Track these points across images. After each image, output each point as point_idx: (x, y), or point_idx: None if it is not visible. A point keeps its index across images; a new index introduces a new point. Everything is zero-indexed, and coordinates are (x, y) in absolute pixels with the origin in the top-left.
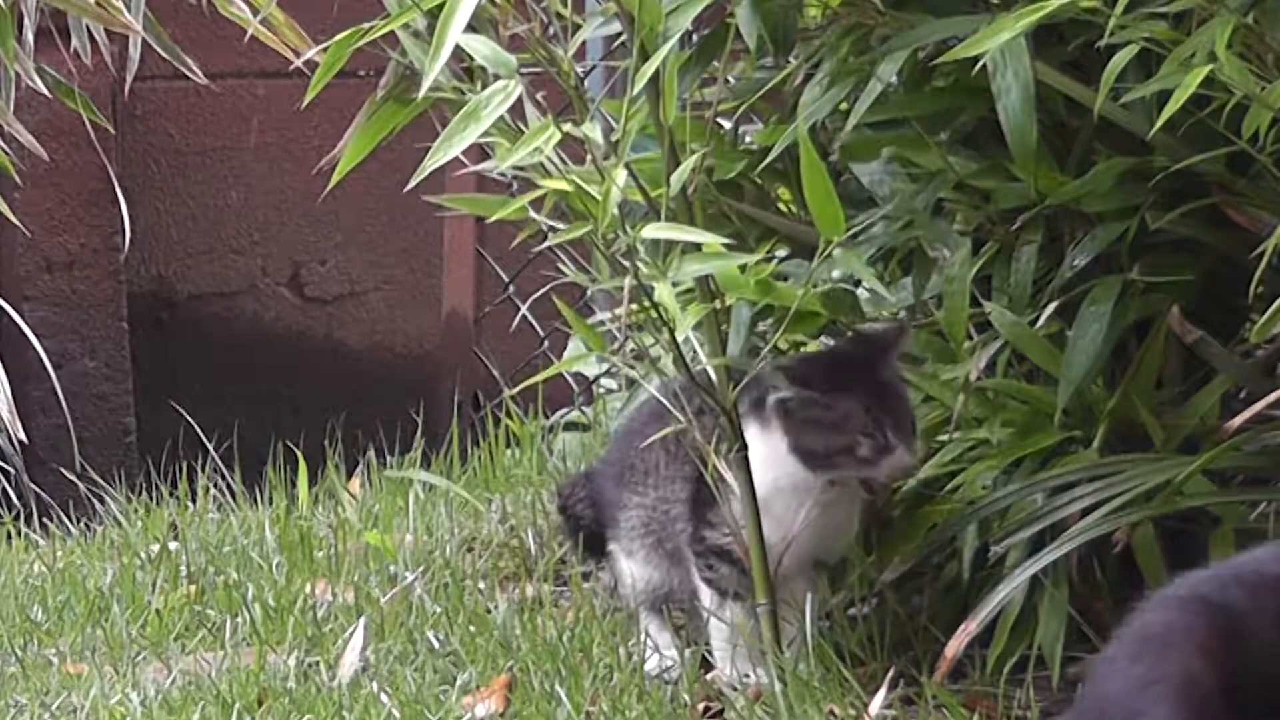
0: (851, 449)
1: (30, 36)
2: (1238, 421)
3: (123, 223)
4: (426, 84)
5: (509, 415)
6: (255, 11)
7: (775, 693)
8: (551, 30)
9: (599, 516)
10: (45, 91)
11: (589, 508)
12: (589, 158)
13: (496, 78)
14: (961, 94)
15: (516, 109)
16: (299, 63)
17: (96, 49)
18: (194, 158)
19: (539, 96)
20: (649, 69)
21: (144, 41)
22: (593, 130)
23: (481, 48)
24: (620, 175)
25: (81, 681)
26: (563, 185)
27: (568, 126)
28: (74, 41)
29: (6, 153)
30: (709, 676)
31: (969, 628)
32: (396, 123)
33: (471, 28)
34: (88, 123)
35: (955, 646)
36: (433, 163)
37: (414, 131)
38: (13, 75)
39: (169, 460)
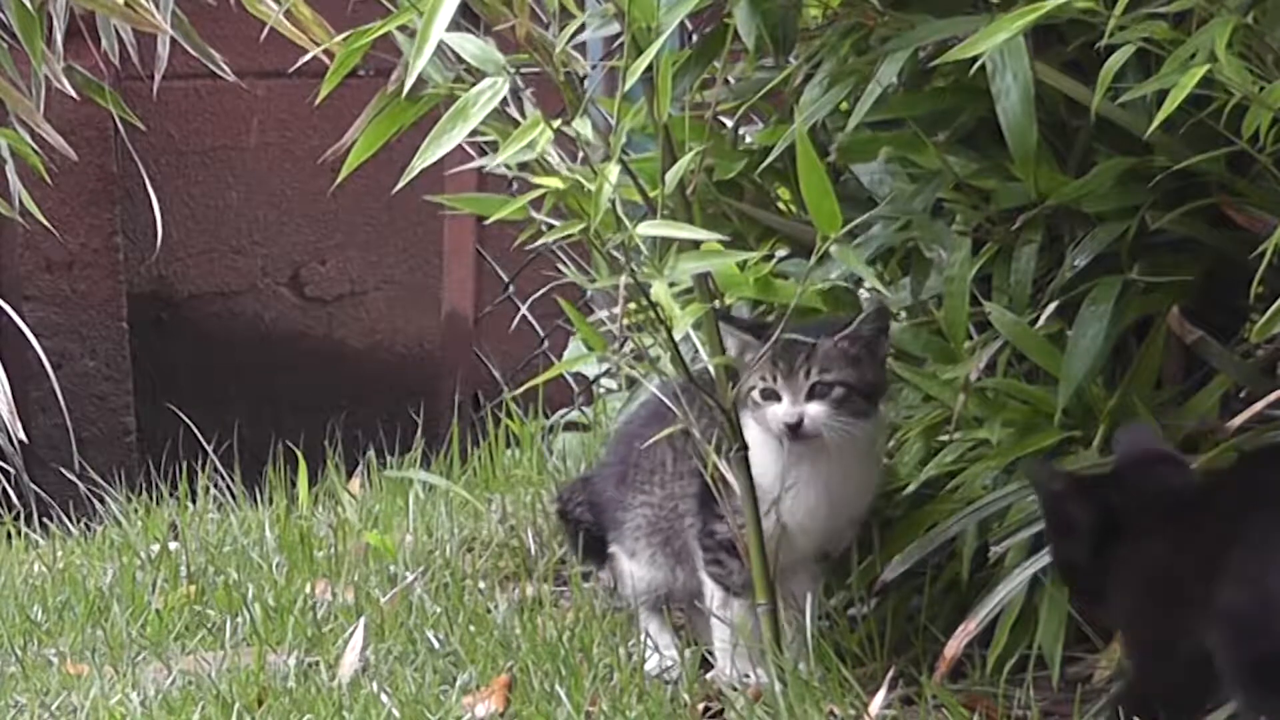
0: (751, 390)
1: (60, 39)
2: (1238, 421)
3: (154, 222)
4: (410, 81)
5: (509, 415)
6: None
7: (775, 693)
8: (551, 30)
9: (599, 519)
10: (71, 92)
11: (589, 511)
12: (580, 155)
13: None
14: (961, 94)
15: (519, 108)
16: (313, 54)
17: (99, 49)
18: (194, 158)
19: (541, 97)
20: (641, 64)
21: (141, 40)
22: (584, 126)
23: (469, 46)
24: (613, 172)
25: (81, 681)
26: (556, 183)
27: (560, 123)
28: (104, 42)
29: (37, 151)
30: (709, 676)
31: (969, 628)
32: (403, 121)
33: (473, 25)
34: (90, 121)
35: (955, 647)
36: (422, 161)
37: (415, 132)
38: (42, 78)
39: (169, 460)
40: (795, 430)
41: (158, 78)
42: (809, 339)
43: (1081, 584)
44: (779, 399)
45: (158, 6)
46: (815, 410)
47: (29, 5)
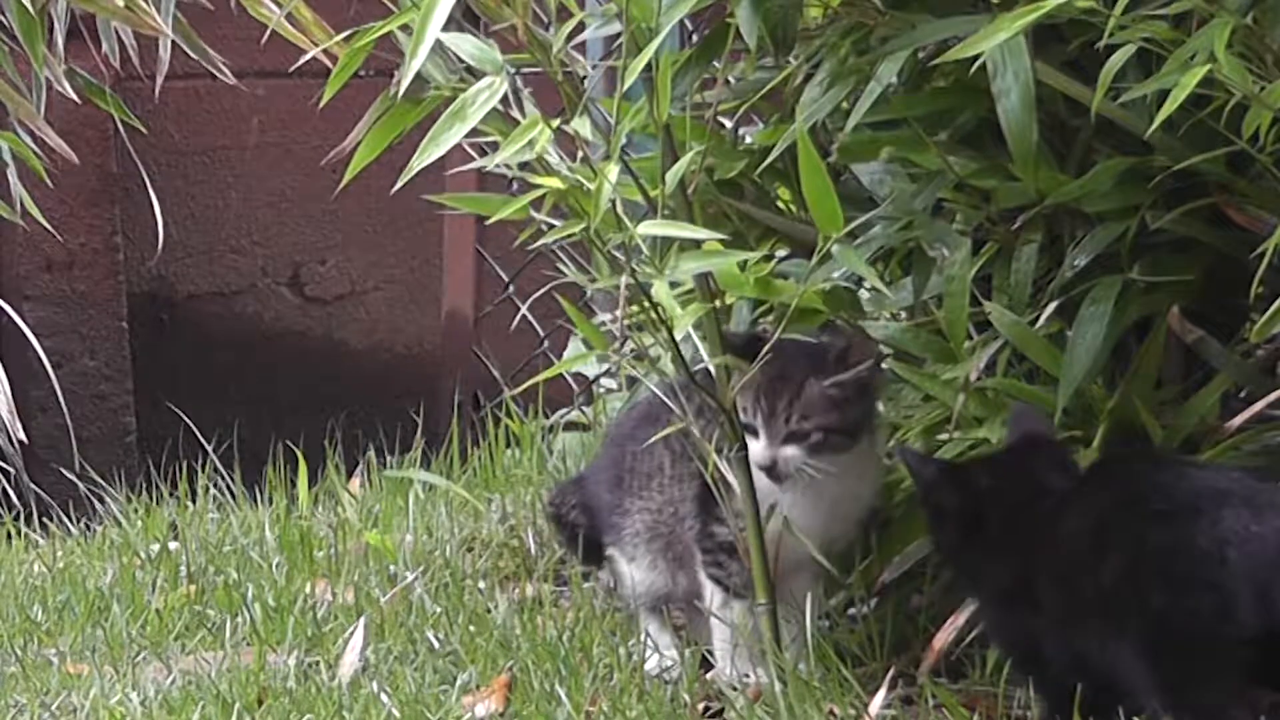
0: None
1: (60, 41)
2: (1238, 421)
3: (154, 222)
4: (406, 81)
5: (509, 415)
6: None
7: (775, 693)
8: (551, 29)
9: (593, 522)
10: (73, 95)
11: (582, 514)
12: (580, 155)
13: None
14: (961, 94)
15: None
16: (313, 54)
17: (99, 49)
18: (194, 158)
19: (542, 97)
20: (639, 63)
21: (140, 40)
22: (584, 126)
23: (467, 45)
24: (614, 172)
25: (81, 681)
26: (556, 183)
27: (559, 123)
28: (104, 45)
29: (38, 154)
30: (709, 676)
31: (958, 620)
32: (407, 122)
33: (474, 25)
34: (90, 122)
35: (943, 638)
36: (420, 162)
37: (416, 132)
38: (43, 80)
39: (169, 460)
40: (769, 472)
41: (159, 80)
42: (797, 374)
43: (960, 572)
44: (756, 435)
45: (158, 8)
46: (789, 454)
47: (30, 7)
